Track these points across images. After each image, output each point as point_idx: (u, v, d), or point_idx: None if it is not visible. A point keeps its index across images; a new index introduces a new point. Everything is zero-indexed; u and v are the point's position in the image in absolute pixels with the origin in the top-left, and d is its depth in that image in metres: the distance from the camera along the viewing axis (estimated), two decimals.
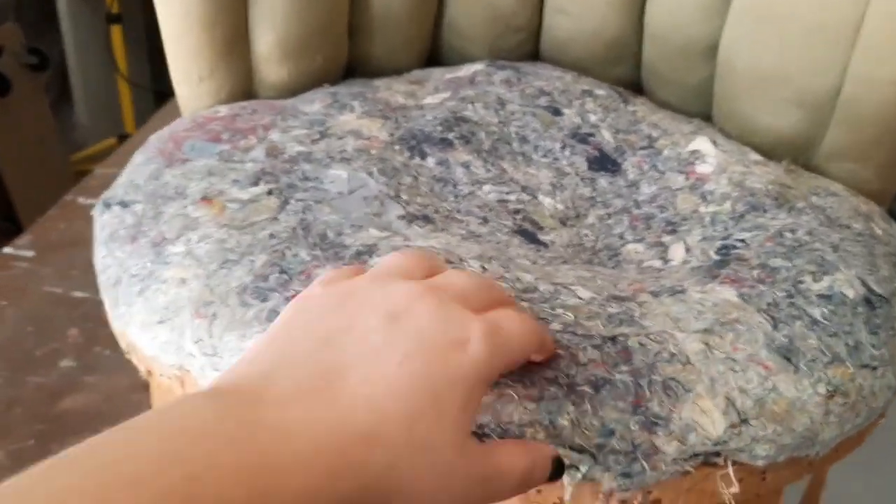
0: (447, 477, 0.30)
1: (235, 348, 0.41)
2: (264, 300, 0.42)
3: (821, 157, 0.58)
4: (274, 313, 0.41)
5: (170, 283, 0.44)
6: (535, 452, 0.35)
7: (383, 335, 0.31)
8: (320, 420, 0.28)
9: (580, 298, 0.44)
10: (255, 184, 0.51)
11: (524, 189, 0.56)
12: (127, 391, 0.82)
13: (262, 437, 0.27)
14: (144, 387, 0.58)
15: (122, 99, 2.02)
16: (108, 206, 0.51)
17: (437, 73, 0.68)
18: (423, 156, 0.57)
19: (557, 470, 0.36)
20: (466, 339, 0.31)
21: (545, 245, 0.52)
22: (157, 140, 0.56)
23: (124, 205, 0.50)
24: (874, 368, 0.43)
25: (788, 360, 0.41)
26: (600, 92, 0.65)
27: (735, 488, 0.39)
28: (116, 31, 1.93)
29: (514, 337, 0.34)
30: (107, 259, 0.48)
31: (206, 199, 0.49)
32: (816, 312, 0.44)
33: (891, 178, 0.58)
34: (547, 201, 0.56)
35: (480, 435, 0.38)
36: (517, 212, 0.54)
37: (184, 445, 0.25)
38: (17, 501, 0.22)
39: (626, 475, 0.38)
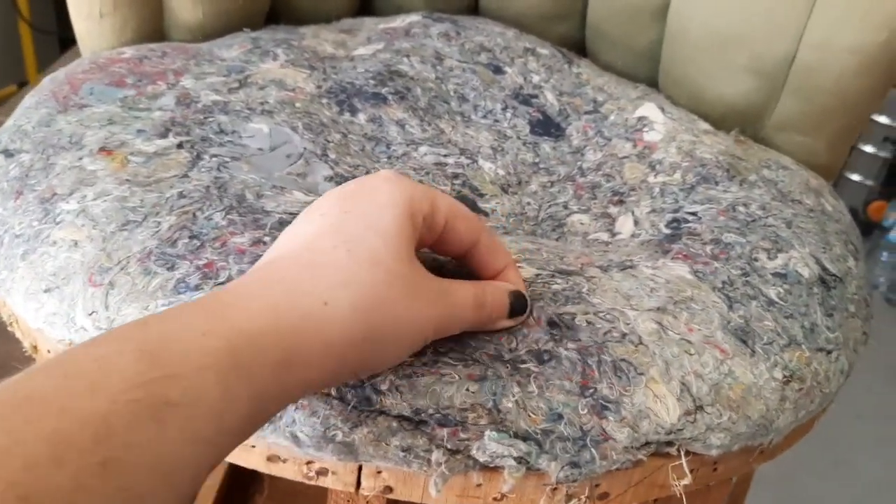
0: (404, 286, 0.31)
1: None
2: (171, 268, 0.37)
3: (770, 127, 0.56)
4: (182, 283, 0.36)
5: (60, 246, 0.38)
6: (484, 284, 0.35)
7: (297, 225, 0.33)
8: (257, 268, 0.31)
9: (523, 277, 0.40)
10: (164, 135, 0.45)
11: (463, 152, 0.52)
12: (21, 362, 0.74)
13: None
14: None
15: (24, 44, 1.87)
16: None
17: (370, 23, 0.62)
18: (354, 111, 0.52)
19: (519, 303, 0.36)
20: (376, 184, 0.33)
21: (486, 213, 0.48)
22: (50, 82, 0.50)
23: (9, 154, 0.44)
24: (829, 352, 0.41)
25: (745, 342, 0.39)
26: (543, 51, 0.61)
27: (687, 480, 0.37)
28: None
29: (437, 195, 0.34)
30: None
31: (105, 150, 0.43)
32: (772, 292, 0.41)
33: (839, 151, 0.56)
34: (487, 166, 0.52)
35: (417, 421, 0.34)
36: (456, 176, 0.50)
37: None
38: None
39: (575, 465, 0.34)
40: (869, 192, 1.86)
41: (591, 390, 0.35)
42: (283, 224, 0.40)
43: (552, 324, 0.36)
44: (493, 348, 0.35)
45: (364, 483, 0.35)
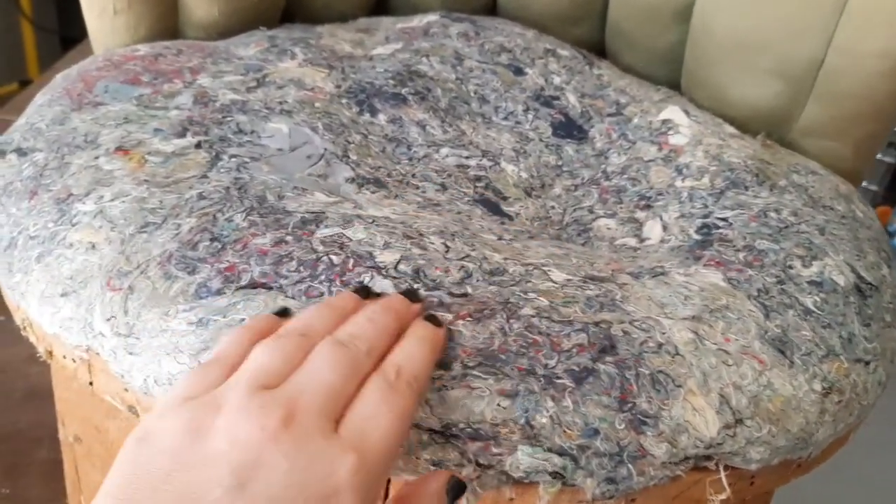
0: None
1: (156, 328, 0.34)
2: (192, 272, 0.36)
3: (796, 132, 0.55)
4: (204, 288, 0.35)
5: (77, 248, 0.37)
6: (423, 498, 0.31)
7: None
8: None
9: (553, 282, 0.39)
10: (182, 135, 0.44)
11: (485, 154, 0.51)
12: (24, 363, 0.73)
13: None
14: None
15: (26, 42, 1.86)
16: (2, 153, 0.43)
17: (387, 22, 0.61)
18: (374, 112, 0.51)
19: (456, 489, 0.31)
20: (334, 490, 0.26)
21: (510, 217, 0.47)
22: (63, 79, 0.48)
23: (22, 152, 0.42)
24: (867, 363, 0.40)
25: (783, 353, 0.37)
26: (564, 52, 0.60)
27: (726, 495, 0.35)
28: None
29: (382, 440, 0.29)
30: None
31: (121, 149, 0.42)
32: (808, 301, 0.40)
33: (865, 157, 0.55)
34: (510, 168, 0.50)
35: (448, 435, 0.33)
36: (478, 179, 0.49)
37: None
38: None
39: (611, 481, 0.33)
40: (874, 198, 1.85)
41: (630, 405, 0.34)
42: (305, 223, 0.38)
43: (603, 350, 0.35)
44: (525, 362, 0.34)
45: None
